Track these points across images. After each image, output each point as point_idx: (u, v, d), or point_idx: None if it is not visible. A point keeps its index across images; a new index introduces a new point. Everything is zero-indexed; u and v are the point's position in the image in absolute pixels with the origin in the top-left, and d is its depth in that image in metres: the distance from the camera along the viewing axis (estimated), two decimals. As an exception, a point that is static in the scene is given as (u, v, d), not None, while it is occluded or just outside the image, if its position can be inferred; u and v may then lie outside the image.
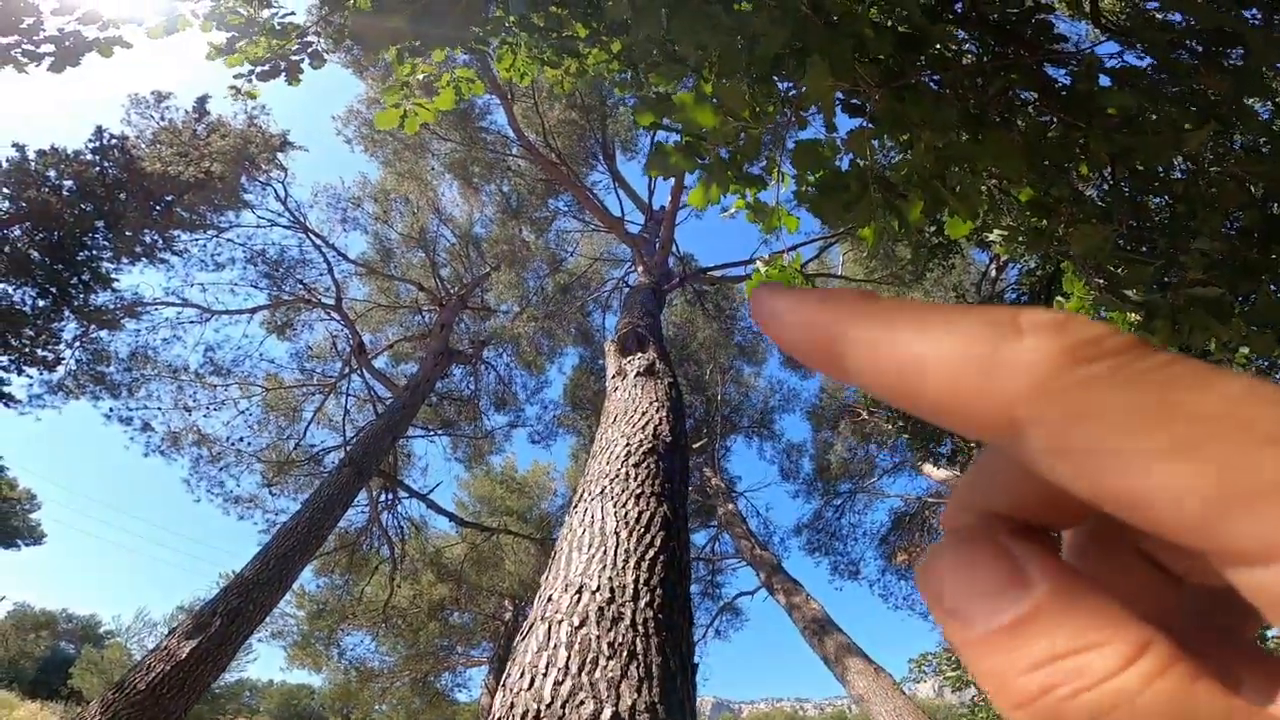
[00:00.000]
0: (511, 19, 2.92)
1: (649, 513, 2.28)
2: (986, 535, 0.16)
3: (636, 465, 2.56)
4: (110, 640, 32.12)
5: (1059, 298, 2.60)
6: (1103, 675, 0.12)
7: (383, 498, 12.57)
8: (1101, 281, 2.17)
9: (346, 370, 12.84)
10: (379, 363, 13.47)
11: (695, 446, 12.95)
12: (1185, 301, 1.90)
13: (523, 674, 1.71)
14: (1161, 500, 0.12)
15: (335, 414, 13.13)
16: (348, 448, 11.07)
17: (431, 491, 12.96)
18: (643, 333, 4.22)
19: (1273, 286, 2.01)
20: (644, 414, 3.00)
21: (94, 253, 9.04)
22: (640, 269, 7.83)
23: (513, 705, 1.62)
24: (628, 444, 2.72)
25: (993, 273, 7.66)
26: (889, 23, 2.01)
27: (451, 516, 13.60)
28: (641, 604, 1.86)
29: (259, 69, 2.98)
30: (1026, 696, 0.13)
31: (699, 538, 15.06)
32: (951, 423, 0.15)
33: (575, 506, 2.48)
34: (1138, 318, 2.10)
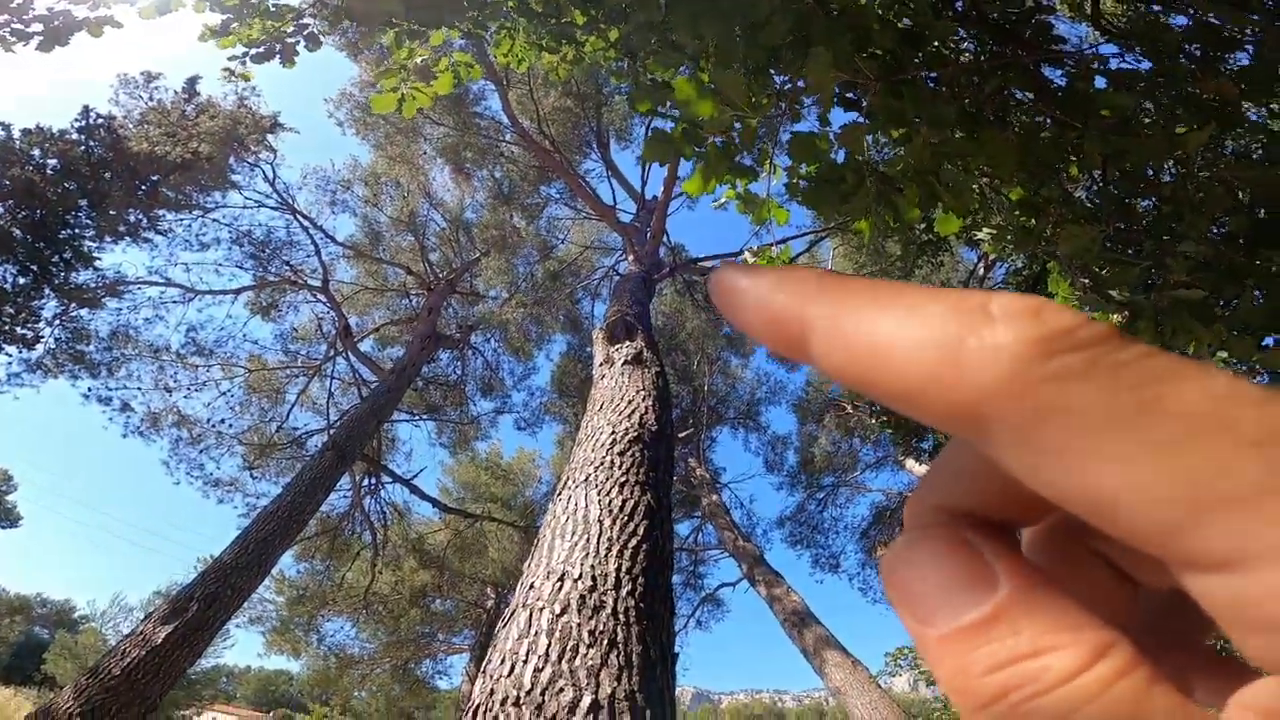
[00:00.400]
0: (510, 3, 2.89)
1: (633, 501, 2.28)
2: (951, 531, 0.16)
3: (621, 453, 2.55)
4: (85, 625, 31.79)
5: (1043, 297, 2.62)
6: (1061, 678, 0.12)
7: (366, 482, 12.50)
8: (1087, 281, 2.19)
9: (331, 353, 12.73)
10: (365, 346, 13.37)
11: (681, 436, 12.99)
12: (1169, 303, 1.92)
13: (503, 661, 1.71)
14: (1127, 503, 0.12)
15: (319, 397, 13.02)
16: (331, 431, 10.99)
17: (415, 477, 12.96)
18: (631, 321, 4.21)
19: (1256, 291, 2.04)
20: (630, 402, 3.00)
21: (76, 231, 8.90)
22: (631, 257, 7.81)
23: (493, 691, 1.62)
24: (613, 432, 2.72)
25: (980, 271, 7.73)
26: (891, 17, 2.00)
27: (435, 502, 13.56)
28: (623, 592, 1.86)
29: (253, 51, 2.93)
30: (987, 698, 0.13)
31: (682, 528, 15.16)
32: (915, 412, 0.14)
33: (559, 494, 2.47)
34: (1121, 318, 2.12)
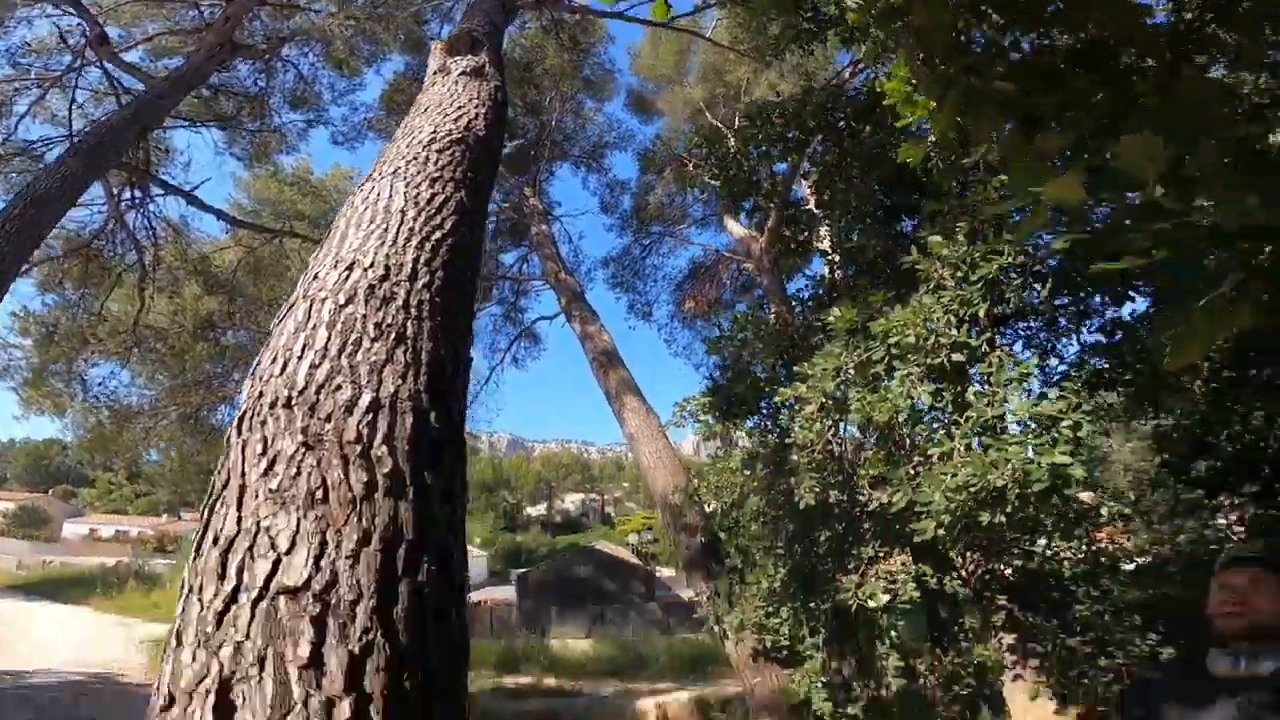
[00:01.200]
0: None
1: (443, 196, 2.05)
2: None
3: (440, 151, 2.25)
4: None
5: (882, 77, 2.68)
6: None
7: (129, 196, 10.46)
8: (920, 57, 2.23)
9: (79, 63, 9.85)
10: (132, 57, 10.42)
11: (517, 160, 12.26)
12: (982, 91, 1.99)
13: (274, 359, 1.47)
14: None
15: (60, 109, 10.24)
16: (75, 139, 8.83)
17: (196, 189, 10.92)
18: (479, 37, 3.59)
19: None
20: (460, 109, 2.61)
21: None
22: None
23: (261, 394, 1.38)
24: (434, 131, 2.37)
25: (846, 75, 7.78)
26: None
27: (222, 214, 11.67)
28: (419, 284, 1.70)
29: None
30: None
31: (508, 258, 15.04)
32: None
33: (361, 185, 2.15)
34: (932, 103, 2.21)
